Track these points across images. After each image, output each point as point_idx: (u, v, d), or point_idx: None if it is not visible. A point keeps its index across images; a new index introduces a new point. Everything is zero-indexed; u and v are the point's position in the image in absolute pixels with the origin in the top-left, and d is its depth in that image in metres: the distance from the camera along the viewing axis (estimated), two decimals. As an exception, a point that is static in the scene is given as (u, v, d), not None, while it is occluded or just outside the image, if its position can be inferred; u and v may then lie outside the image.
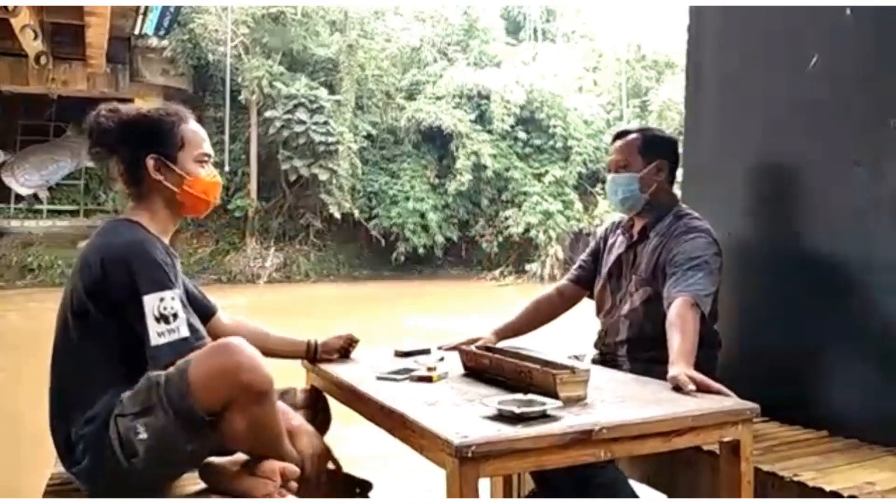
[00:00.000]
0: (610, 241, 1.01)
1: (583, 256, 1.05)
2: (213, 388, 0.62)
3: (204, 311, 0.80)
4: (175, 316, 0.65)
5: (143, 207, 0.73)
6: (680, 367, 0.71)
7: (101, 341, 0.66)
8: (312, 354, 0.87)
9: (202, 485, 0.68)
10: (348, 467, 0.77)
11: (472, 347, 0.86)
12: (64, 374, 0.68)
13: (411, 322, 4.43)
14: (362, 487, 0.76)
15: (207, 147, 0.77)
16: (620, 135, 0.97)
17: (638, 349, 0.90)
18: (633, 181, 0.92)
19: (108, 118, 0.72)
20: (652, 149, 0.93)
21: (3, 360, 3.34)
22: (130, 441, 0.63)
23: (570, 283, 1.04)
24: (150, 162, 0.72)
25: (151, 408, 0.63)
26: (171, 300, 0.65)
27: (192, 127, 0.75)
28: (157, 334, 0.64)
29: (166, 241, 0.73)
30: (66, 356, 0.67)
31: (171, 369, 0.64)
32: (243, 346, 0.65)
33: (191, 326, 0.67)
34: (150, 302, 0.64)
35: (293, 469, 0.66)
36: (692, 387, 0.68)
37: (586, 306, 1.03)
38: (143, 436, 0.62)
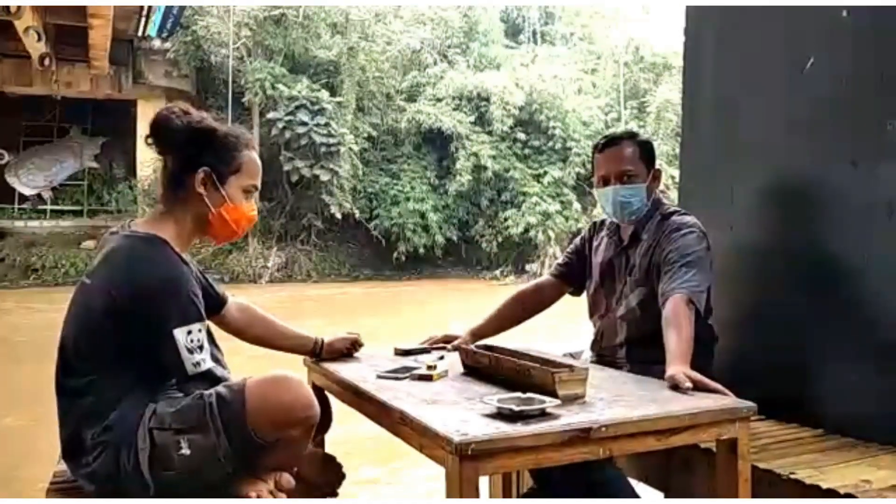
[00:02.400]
0: (594, 242, 0.99)
1: (567, 254, 1.03)
2: (270, 419, 0.65)
3: (215, 302, 0.79)
4: (200, 348, 0.67)
5: (171, 216, 0.72)
6: (677, 366, 0.72)
7: (116, 351, 0.66)
8: (317, 352, 0.87)
9: None
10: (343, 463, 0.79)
11: (453, 346, 0.88)
12: (75, 378, 0.67)
13: (412, 320, 4.47)
14: (336, 471, 0.78)
15: (259, 180, 0.76)
16: (614, 141, 0.93)
17: (637, 350, 0.90)
18: (641, 191, 0.91)
19: (179, 117, 0.71)
20: (650, 156, 0.93)
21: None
22: (169, 455, 0.63)
23: (552, 277, 1.03)
24: (200, 175, 0.71)
25: (200, 427, 0.64)
26: (198, 332, 0.66)
27: (252, 155, 0.75)
28: (193, 365, 0.66)
29: (185, 254, 0.72)
30: (79, 362, 0.67)
31: (223, 391, 0.65)
32: (301, 381, 0.68)
33: (213, 357, 0.68)
34: (180, 336, 0.65)
35: (288, 479, 0.67)
36: (689, 385, 0.69)
37: (580, 307, 1.02)
38: (186, 451, 0.63)
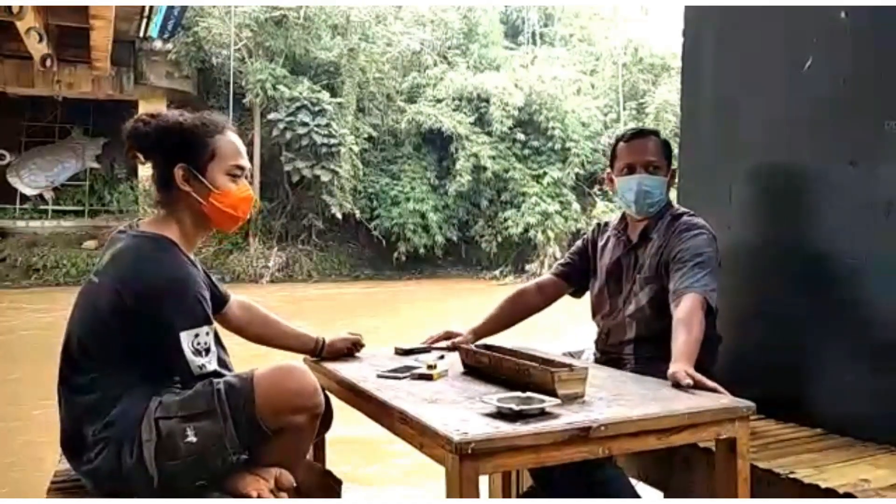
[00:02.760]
0: (599, 243, 1.00)
1: (569, 254, 1.04)
2: (276, 406, 0.65)
3: (218, 300, 0.80)
4: (207, 350, 0.67)
5: (172, 218, 0.72)
6: (681, 364, 0.72)
7: (121, 349, 0.66)
8: (318, 352, 0.88)
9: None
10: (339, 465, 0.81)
11: (451, 343, 0.88)
12: (78, 375, 0.67)
13: (412, 319, 4.47)
14: (333, 481, 0.78)
15: (242, 160, 0.74)
16: (641, 133, 0.96)
17: (645, 347, 0.90)
18: (663, 184, 0.93)
19: (146, 123, 0.71)
20: (669, 153, 0.96)
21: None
22: (175, 444, 0.63)
23: (553, 276, 1.02)
24: (178, 172, 0.70)
25: (207, 413, 0.64)
26: (205, 335, 0.67)
27: (227, 138, 0.73)
28: (199, 367, 0.66)
29: (192, 254, 0.72)
30: (84, 359, 0.67)
31: (232, 379, 0.66)
32: (307, 371, 0.69)
33: (220, 360, 0.69)
34: (187, 338, 0.65)
35: (288, 477, 0.67)
36: (689, 381, 0.69)
37: (580, 306, 1.02)
38: (192, 439, 0.63)
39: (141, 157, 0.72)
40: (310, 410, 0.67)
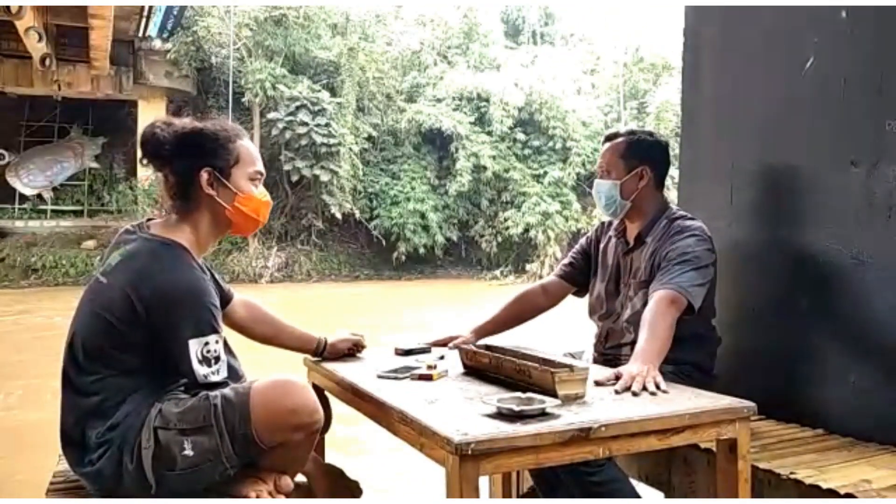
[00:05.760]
0: (602, 243, 1.00)
1: (572, 254, 1.03)
2: (273, 423, 0.65)
3: (222, 299, 0.79)
4: (217, 359, 0.66)
5: (187, 223, 0.71)
6: (637, 363, 0.71)
7: (126, 353, 0.66)
8: (320, 352, 0.87)
9: None
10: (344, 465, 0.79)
11: (453, 344, 0.87)
12: (82, 376, 0.67)
13: (412, 320, 4.46)
14: (353, 490, 0.78)
15: (261, 165, 0.75)
16: (609, 137, 0.97)
17: None
18: (613, 188, 0.93)
19: (163, 130, 0.71)
20: (635, 154, 0.93)
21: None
22: (171, 454, 0.64)
23: (558, 278, 1.01)
24: (203, 176, 0.71)
25: (204, 428, 0.64)
26: (214, 343, 0.66)
27: (246, 144, 0.74)
28: (203, 376, 0.66)
29: (201, 260, 0.72)
30: (88, 361, 0.67)
31: (229, 394, 0.65)
32: (306, 387, 0.69)
33: (230, 368, 0.69)
34: (195, 346, 0.65)
35: (287, 482, 0.68)
36: (620, 386, 0.67)
37: (581, 306, 1.02)
38: (189, 452, 0.63)
39: (154, 163, 0.72)
40: (307, 427, 0.67)
